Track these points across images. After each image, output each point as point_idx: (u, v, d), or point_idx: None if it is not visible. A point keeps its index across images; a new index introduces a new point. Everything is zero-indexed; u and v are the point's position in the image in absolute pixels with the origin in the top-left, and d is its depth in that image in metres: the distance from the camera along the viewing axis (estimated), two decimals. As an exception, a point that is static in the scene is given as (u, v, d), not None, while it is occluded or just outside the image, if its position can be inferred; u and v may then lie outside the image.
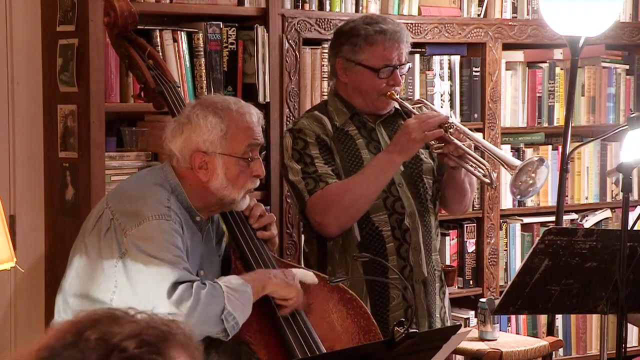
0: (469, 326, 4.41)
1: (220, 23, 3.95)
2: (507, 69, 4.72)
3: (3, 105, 3.81)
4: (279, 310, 2.90)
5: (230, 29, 3.97)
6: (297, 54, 4.10)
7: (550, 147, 4.84)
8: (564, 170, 4.22)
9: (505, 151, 4.52)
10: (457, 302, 4.52)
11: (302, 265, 3.50)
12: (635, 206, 4.59)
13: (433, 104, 3.99)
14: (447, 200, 3.54)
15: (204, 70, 3.88)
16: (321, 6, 4.22)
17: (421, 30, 4.40)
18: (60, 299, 2.87)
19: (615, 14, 4.23)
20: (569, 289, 3.20)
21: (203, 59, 3.88)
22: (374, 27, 3.38)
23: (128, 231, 2.74)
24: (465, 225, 4.61)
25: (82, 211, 3.55)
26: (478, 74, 4.59)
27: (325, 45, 4.13)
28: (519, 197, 3.65)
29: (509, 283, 3.26)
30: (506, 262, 4.76)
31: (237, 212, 3.01)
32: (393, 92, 3.39)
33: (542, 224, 4.81)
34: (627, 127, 3.47)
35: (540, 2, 4.37)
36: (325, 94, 4.13)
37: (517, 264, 4.67)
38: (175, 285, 2.68)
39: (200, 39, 3.89)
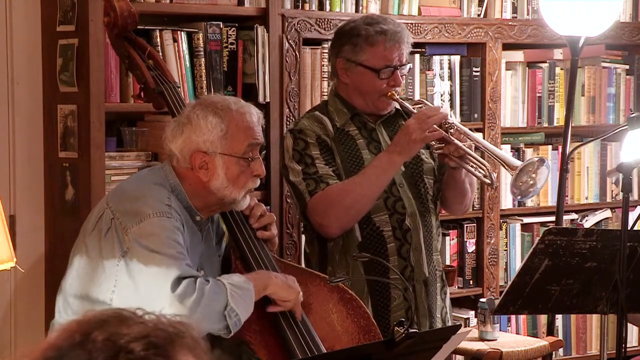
0: (469, 326, 4.41)
1: (220, 23, 3.95)
2: (507, 69, 4.72)
3: (3, 105, 3.81)
4: (283, 316, 2.90)
5: (230, 29, 3.97)
6: (297, 54, 4.10)
7: (550, 147, 4.84)
8: (564, 170, 4.22)
9: (505, 151, 4.53)
10: (457, 302, 4.52)
11: (303, 266, 3.50)
12: (635, 206, 4.59)
13: (433, 104, 3.98)
14: (448, 200, 3.54)
15: (204, 70, 3.88)
16: (321, 6, 4.22)
17: (421, 30, 4.40)
18: (61, 299, 2.87)
19: (615, 14, 4.23)
20: (569, 289, 3.20)
21: (203, 59, 3.88)
22: (374, 28, 3.38)
23: (129, 229, 2.74)
24: (465, 225, 4.61)
25: (82, 211, 3.55)
26: (478, 74, 4.59)
27: (325, 45, 4.13)
28: (519, 197, 3.65)
29: (509, 283, 3.26)
30: (506, 262, 4.76)
31: (238, 212, 3.01)
32: (394, 92, 3.39)
33: (542, 224, 4.81)
34: (627, 127, 3.47)
35: (540, 2, 4.37)
36: (325, 94, 4.13)
37: (517, 264, 4.67)
38: (178, 280, 2.68)
39: (200, 39, 3.89)
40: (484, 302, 3.98)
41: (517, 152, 4.75)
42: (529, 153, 4.76)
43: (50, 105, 3.81)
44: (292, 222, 4.11)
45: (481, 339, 3.96)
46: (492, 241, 4.65)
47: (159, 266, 2.69)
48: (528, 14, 4.76)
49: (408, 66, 3.47)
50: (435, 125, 3.25)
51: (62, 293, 2.88)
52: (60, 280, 2.91)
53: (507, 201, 4.73)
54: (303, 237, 3.91)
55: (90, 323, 1.29)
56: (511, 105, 4.75)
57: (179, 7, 3.88)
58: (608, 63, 4.99)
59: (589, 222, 4.92)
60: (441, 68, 4.53)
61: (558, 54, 4.84)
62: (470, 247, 4.63)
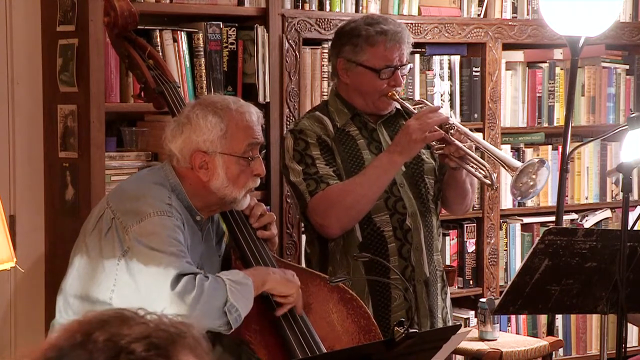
0: (469, 326, 4.41)
1: (220, 23, 3.95)
2: (507, 69, 4.72)
3: (3, 105, 3.81)
4: (276, 310, 2.90)
5: (230, 29, 3.97)
6: (297, 54, 4.10)
7: (550, 147, 4.84)
8: (564, 170, 4.22)
9: (505, 151, 4.53)
10: (457, 302, 4.52)
11: (303, 266, 3.50)
12: (635, 206, 4.59)
13: (434, 104, 3.98)
14: (449, 200, 3.54)
15: (204, 70, 3.88)
16: (321, 6, 4.22)
17: (421, 30, 4.40)
18: (61, 299, 2.87)
19: (615, 14, 4.23)
20: (569, 289, 3.20)
21: (203, 59, 3.88)
22: (375, 28, 3.38)
23: (129, 228, 2.74)
24: (465, 225, 4.61)
25: (82, 211, 3.55)
26: (478, 74, 4.59)
27: (326, 46, 4.13)
28: (519, 198, 3.65)
29: (509, 283, 3.26)
30: (506, 262, 4.76)
31: (238, 212, 3.02)
32: (394, 92, 3.39)
33: (542, 224, 4.81)
34: (627, 127, 3.47)
35: (540, 2, 4.37)
36: (325, 94, 4.13)
37: (517, 264, 4.67)
38: (178, 277, 2.68)
39: (200, 39, 3.89)
40: (484, 302, 3.98)
41: (517, 152, 4.75)
42: (529, 153, 4.76)
43: (50, 105, 3.81)
44: (292, 222, 4.11)
45: (481, 339, 3.96)
46: (492, 241, 4.65)
47: (160, 264, 2.69)
48: (528, 14, 4.76)
49: (409, 66, 3.47)
50: (435, 126, 3.25)
51: (62, 293, 2.88)
52: (60, 280, 2.91)
53: (507, 201, 4.73)
54: (303, 237, 3.91)
55: (91, 323, 1.28)
56: (511, 105, 4.75)
57: (179, 7, 3.88)
58: (608, 63, 4.99)
59: (589, 222, 4.92)
60: (441, 68, 4.53)
61: (558, 54, 4.84)
62: (470, 247, 4.63)
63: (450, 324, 3.52)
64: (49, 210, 3.85)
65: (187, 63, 3.86)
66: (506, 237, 4.75)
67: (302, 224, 3.97)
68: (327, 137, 3.39)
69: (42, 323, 3.78)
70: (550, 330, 4.39)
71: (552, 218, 4.51)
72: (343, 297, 3.03)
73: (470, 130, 3.46)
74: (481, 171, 3.30)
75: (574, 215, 4.92)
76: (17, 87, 3.82)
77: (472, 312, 4.53)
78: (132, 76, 3.65)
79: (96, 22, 3.60)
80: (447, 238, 4.55)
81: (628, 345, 3.61)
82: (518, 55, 4.75)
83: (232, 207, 2.96)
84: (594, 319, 4.94)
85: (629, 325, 4.08)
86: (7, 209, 3.71)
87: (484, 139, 4.36)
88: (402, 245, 3.39)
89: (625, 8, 4.99)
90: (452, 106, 4.54)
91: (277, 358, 2.91)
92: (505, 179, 4.56)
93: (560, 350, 4.78)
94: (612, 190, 5.01)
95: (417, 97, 4.29)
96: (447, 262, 4.53)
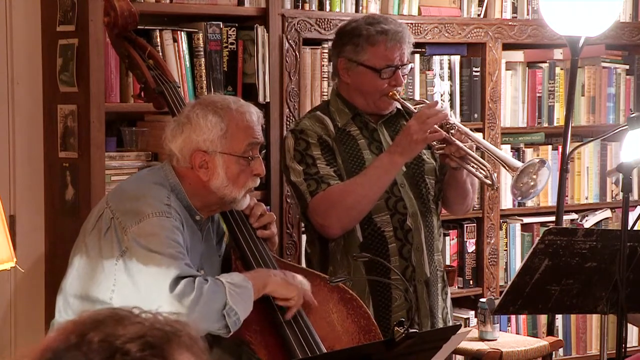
0: (469, 326, 4.40)
1: (220, 23, 3.94)
2: (507, 69, 4.72)
3: (3, 105, 3.81)
4: (282, 315, 2.90)
5: (230, 29, 3.97)
6: (297, 54, 4.10)
7: (550, 147, 4.84)
8: (564, 170, 4.22)
9: (505, 151, 4.53)
10: (457, 302, 4.52)
11: (303, 266, 3.50)
12: (635, 206, 4.58)
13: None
14: (449, 200, 3.54)
15: (204, 70, 3.88)
16: (321, 6, 4.22)
17: (421, 30, 4.40)
18: (61, 299, 2.87)
19: (615, 14, 4.23)
20: (569, 289, 3.20)
21: (203, 59, 3.88)
22: (375, 28, 3.38)
23: (128, 229, 2.74)
24: (465, 225, 4.61)
25: (82, 211, 3.55)
26: (478, 74, 4.59)
27: (326, 46, 4.13)
28: (520, 198, 3.65)
29: (509, 283, 3.26)
30: (506, 262, 4.76)
31: (238, 212, 3.01)
32: (395, 92, 3.39)
33: (542, 224, 4.81)
34: (627, 127, 3.47)
35: (540, 2, 4.37)
36: (325, 94, 4.13)
37: (517, 264, 4.67)
38: (177, 279, 2.68)
39: (200, 39, 3.89)
40: (484, 302, 3.98)
41: (517, 152, 4.75)
42: (529, 153, 4.76)
43: (50, 105, 3.81)
44: (292, 222, 4.11)
45: (481, 339, 3.96)
46: (492, 241, 4.65)
47: (158, 266, 2.69)
48: (528, 14, 4.76)
49: (409, 66, 3.47)
50: (436, 126, 3.25)
51: (62, 293, 2.88)
52: (60, 280, 2.91)
53: (507, 201, 4.73)
54: (303, 237, 3.91)
55: (85, 324, 1.28)
56: (511, 105, 4.75)
57: (179, 7, 3.88)
58: (608, 63, 4.99)
59: (589, 222, 4.92)
60: (441, 68, 4.53)
61: (558, 54, 4.84)
62: (470, 247, 4.63)
63: (450, 324, 3.52)
64: (49, 210, 3.85)
65: (187, 63, 3.86)
66: (506, 237, 4.75)
67: (302, 224, 3.97)
68: (328, 137, 3.39)
69: (42, 323, 3.78)
70: (550, 330, 4.39)
71: (552, 218, 4.51)
72: (343, 297, 3.03)
73: (470, 130, 3.46)
74: (482, 171, 3.30)
75: (574, 215, 4.92)
76: (17, 87, 3.82)
77: (472, 312, 4.53)
78: (132, 76, 3.65)
79: (96, 22, 3.60)
80: (447, 238, 4.55)
81: (628, 345, 3.61)
82: (518, 55, 4.75)
83: (232, 207, 2.96)
84: (594, 319, 4.94)
85: (629, 325, 4.07)
86: (7, 209, 3.71)
87: (484, 139, 4.35)
88: (402, 246, 3.39)
89: (625, 8, 4.99)
90: (452, 106, 4.54)
91: (277, 358, 2.90)
92: (505, 179, 4.56)
93: (560, 350, 4.78)
94: (612, 190, 5.01)
95: (417, 97, 4.29)
96: (447, 262, 4.53)
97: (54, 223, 3.83)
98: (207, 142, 2.84)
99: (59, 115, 3.75)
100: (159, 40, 3.78)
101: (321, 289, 3.02)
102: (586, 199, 4.97)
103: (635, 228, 3.51)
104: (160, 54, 3.66)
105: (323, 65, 4.17)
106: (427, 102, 3.62)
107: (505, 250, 4.75)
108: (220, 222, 3.10)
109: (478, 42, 4.58)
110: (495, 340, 3.96)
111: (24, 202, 3.84)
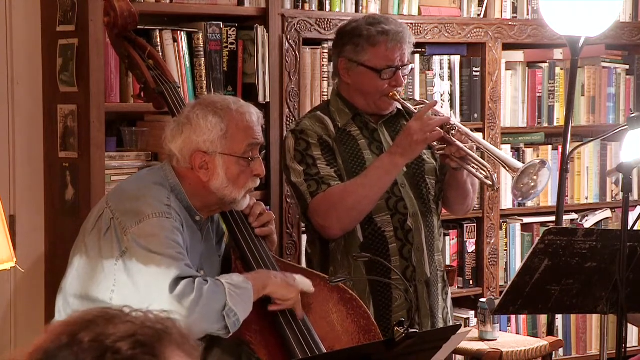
0: (469, 326, 4.41)
1: (220, 23, 3.94)
2: (507, 69, 4.72)
3: (3, 105, 3.81)
4: (282, 316, 2.90)
5: (230, 29, 3.97)
6: (297, 54, 4.10)
7: (550, 147, 4.84)
8: (564, 170, 4.22)
9: (505, 151, 4.53)
10: (457, 302, 4.52)
11: (303, 266, 3.50)
12: (635, 206, 4.59)
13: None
14: (450, 201, 3.54)
15: (204, 70, 3.88)
16: (321, 6, 4.22)
17: (421, 30, 4.40)
18: (61, 299, 2.87)
19: (615, 14, 4.23)
20: (569, 289, 3.20)
21: (203, 59, 3.88)
22: (376, 28, 3.38)
23: (128, 229, 2.74)
24: (465, 225, 4.61)
25: (82, 211, 3.55)
26: (478, 74, 4.59)
27: (326, 46, 4.14)
28: (520, 199, 3.66)
29: (509, 283, 3.26)
30: (506, 262, 4.76)
31: (237, 212, 3.01)
32: (395, 92, 3.39)
33: (542, 224, 4.81)
34: (627, 127, 3.46)
35: (540, 2, 4.37)
36: (326, 94, 4.13)
37: (517, 264, 4.67)
38: (177, 280, 2.68)
39: (200, 39, 3.89)
40: (484, 302, 3.98)
41: (517, 152, 4.75)
42: (529, 153, 4.76)
43: (50, 105, 3.81)
44: (292, 222, 4.11)
45: (481, 339, 3.96)
46: (492, 241, 4.65)
47: (158, 267, 2.69)
48: (528, 14, 4.76)
49: (410, 66, 3.46)
50: (437, 127, 3.25)
51: (62, 293, 2.88)
52: (60, 280, 2.91)
53: (507, 201, 4.73)
54: (303, 237, 3.91)
55: (76, 324, 1.28)
56: (511, 105, 4.75)
57: (179, 7, 3.88)
58: (608, 63, 4.99)
59: (589, 222, 4.92)
60: (441, 68, 4.53)
61: (558, 54, 4.84)
62: (470, 247, 4.63)
63: (451, 324, 3.52)
64: (49, 210, 3.85)
65: (187, 63, 3.86)
66: (506, 237, 4.75)
67: (303, 224, 3.97)
68: (329, 137, 3.39)
69: (42, 323, 3.77)
70: (550, 330, 4.39)
71: (552, 218, 4.51)
72: (343, 297, 3.03)
73: (470, 130, 3.46)
74: (482, 172, 3.30)
75: (574, 215, 4.92)
76: (17, 87, 3.82)
77: (472, 312, 4.53)
78: (132, 76, 3.65)
79: (96, 22, 3.60)
80: (447, 238, 4.55)
81: (628, 345, 3.61)
82: (518, 55, 4.75)
83: (232, 207, 2.96)
84: (594, 319, 4.94)
85: (629, 325, 4.08)
86: (7, 209, 3.71)
87: (484, 139, 4.36)
88: (403, 246, 3.39)
89: (625, 8, 4.99)
90: (452, 106, 4.54)
91: (277, 358, 2.90)
92: (506, 180, 4.56)
93: (560, 350, 4.78)
94: (612, 190, 5.01)
95: (417, 97, 4.29)
96: (447, 262, 4.53)
97: (54, 223, 3.83)
98: (207, 142, 2.84)
99: (59, 115, 3.75)
100: (159, 40, 3.78)
101: (321, 289, 3.02)
102: (586, 199, 4.97)
103: (635, 228, 3.51)
104: (160, 54, 3.66)
105: (323, 65, 4.17)
106: (428, 102, 3.62)
107: (505, 250, 4.75)
108: (220, 222, 3.10)
109: (478, 42, 4.58)
110: (495, 340, 3.96)
111: (24, 202, 3.84)
